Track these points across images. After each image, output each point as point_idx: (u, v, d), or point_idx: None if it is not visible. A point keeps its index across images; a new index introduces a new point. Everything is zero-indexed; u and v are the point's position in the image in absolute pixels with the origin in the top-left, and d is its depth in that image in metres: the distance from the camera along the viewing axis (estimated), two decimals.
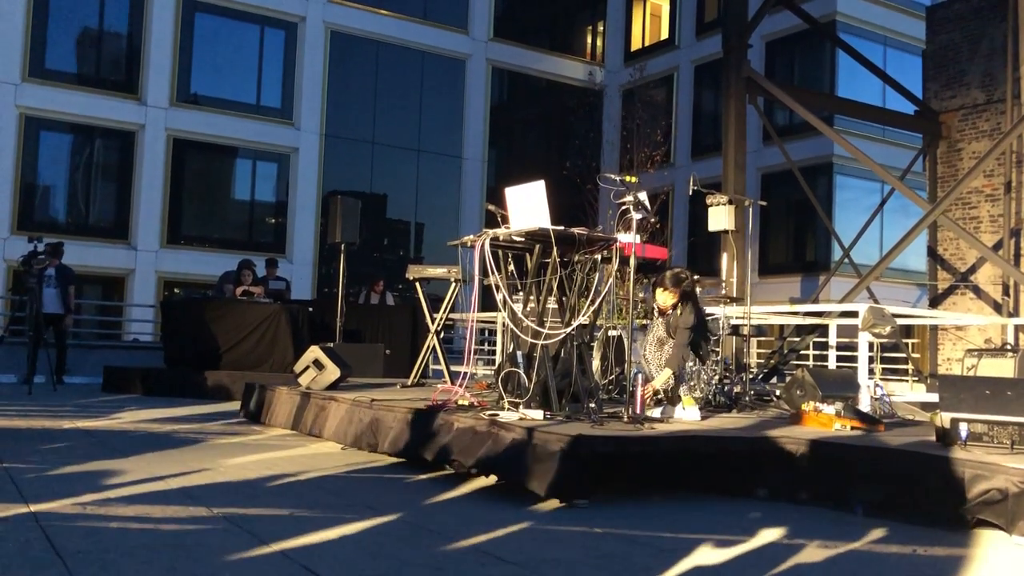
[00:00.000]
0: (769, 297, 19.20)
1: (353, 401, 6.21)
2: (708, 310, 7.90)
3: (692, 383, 6.43)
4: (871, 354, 8.13)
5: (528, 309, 5.72)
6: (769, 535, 3.80)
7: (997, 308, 13.38)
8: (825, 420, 5.37)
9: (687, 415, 5.63)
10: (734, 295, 9.21)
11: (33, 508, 3.65)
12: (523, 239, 5.54)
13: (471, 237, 5.80)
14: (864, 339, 8.17)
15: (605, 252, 5.56)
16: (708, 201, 9.56)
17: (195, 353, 10.73)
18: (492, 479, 4.68)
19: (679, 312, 5.98)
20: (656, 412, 5.64)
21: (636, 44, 28.21)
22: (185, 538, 3.30)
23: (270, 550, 3.13)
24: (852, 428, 5.28)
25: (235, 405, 8.74)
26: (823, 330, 11.74)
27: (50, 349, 11.11)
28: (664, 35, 27.55)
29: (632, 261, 5.35)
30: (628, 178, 5.80)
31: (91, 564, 2.84)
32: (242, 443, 6.21)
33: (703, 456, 4.59)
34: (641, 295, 7.73)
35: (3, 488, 4.07)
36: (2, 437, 5.88)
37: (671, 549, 3.48)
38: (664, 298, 6.02)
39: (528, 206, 5.45)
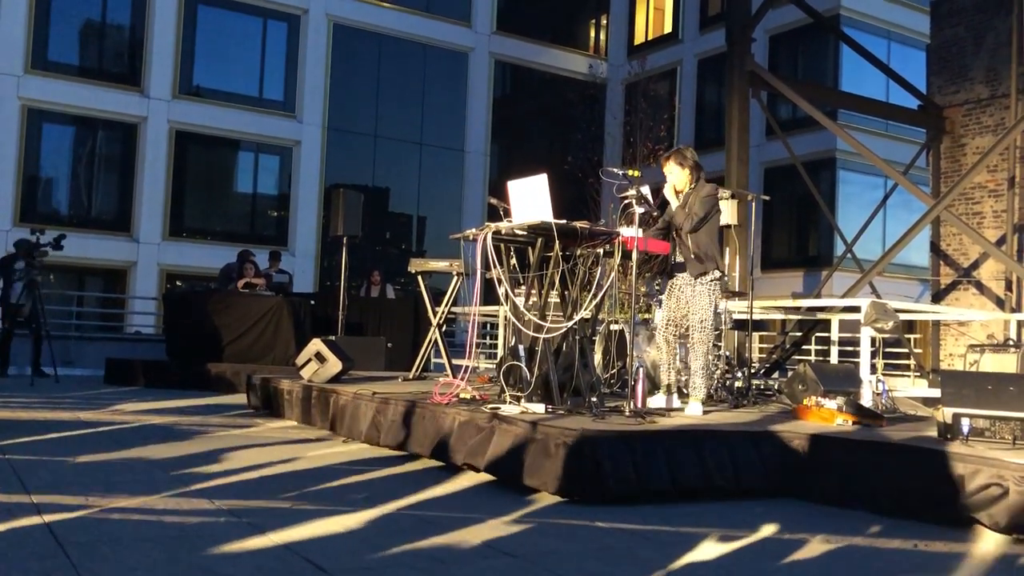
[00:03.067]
0: (771, 292, 19.18)
1: (355, 394, 6.21)
2: None
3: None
4: (873, 349, 8.13)
5: (530, 303, 5.72)
6: (771, 530, 3.80)
7: (1000, 304, 13.37)
8: (827, 415, 5.36)
9: (690, 410, 5.62)
10: (736, 289, 9.21)
11: (35, 499, 3.66)
12: (525, 233, 5.53)
13: (473, 231, 5.80)
14: (866, 334, 8.16)
15: (607, 246, 5.55)
16: None
17: (197, 345, 10.73)
18: (492, 472, 4.68)
19: (692, 188, 5.86)
20: (660, 402, 5.64)
21: (639, 38, 28.14)
22: (187, 530, 3.31)
23: (271, 542, 3.13)
24: (854, 423, 5.27)
25: (237, 398, 8.75)
26: (825, 325, 11.72)
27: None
28: (667, 29, 27.48)
29: (634, 255, 5.35)
30: (631, 172, 5.78)
31: (93, 555, 2.84)
32: (244, 435, 6.22)
33: (705, 450, 4.58)
34: (643, 289, 7.72)
35: (6, 479, 4.08)
36: (4, 428, 5.89)
37: (673, 543, 3.48)
38: (675, 174, 5.85)
39: (530, 200, 5.44)
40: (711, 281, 5.82)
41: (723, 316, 7.66)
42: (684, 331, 5.92)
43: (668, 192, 5.95)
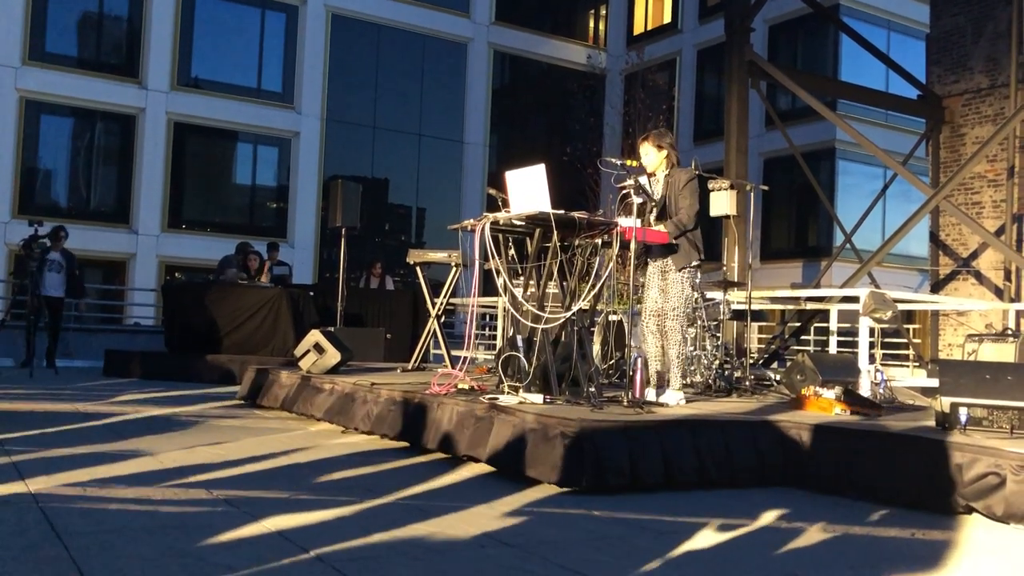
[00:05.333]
0: (770, 282, 19.18)
1: (353, 385, 6.21)
2: (709, 295, 7.89)
3: (693, 368, 6.40)
4: (872, 339, 8.13)
5: (528, 293, 5.71)
6: (770, 519, 3.81)
7: (999, 293, 13.37)
8: (825, 405, 5.37)
9: (669, 399, 5.61)
10: (735, 280, 9.21)
11: (33, 489, 3.66)
12: (523, 223, 5.52)
13: (471, 221, 5.78)
14: (865, 324, 8.16)
15: (606, 236, 5.54)
16: (710, 186, 9.51)
17: (196, 337, 10.73)
18: (491, 463, 4.68)
19: (667, 173, 5.84)
20: (668, 398, 5.64)
21: (639, 28, 28.08)
22: (184, 519, 3.31)
23: (267, 530, 3.14)
24: (852, 413, 5.28)
25: (235, 389, 8.75)
26: (824, 315, 11.73)
27: (46, 332, 11.18)
28: (667, 19, 27.41)
29: (633, 246, 5.34)
30: (629, 162, 5.76)
31: (90, 545, 2.84)
32: (242, 426, 6.22)
33: (703, 440, 4.58)
34: (642, 280, 7.70)
35: (3, 469, 4.08)
36: (3, 419, 5.89)
37: (671, 532, 3.49)
38: (651, 156, 5.81)
39: (529, 190, 5.43)
40: (690, 270, 5.80)
41: (721, 306, 7.66)
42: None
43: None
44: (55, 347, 11.65)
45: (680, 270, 5.74)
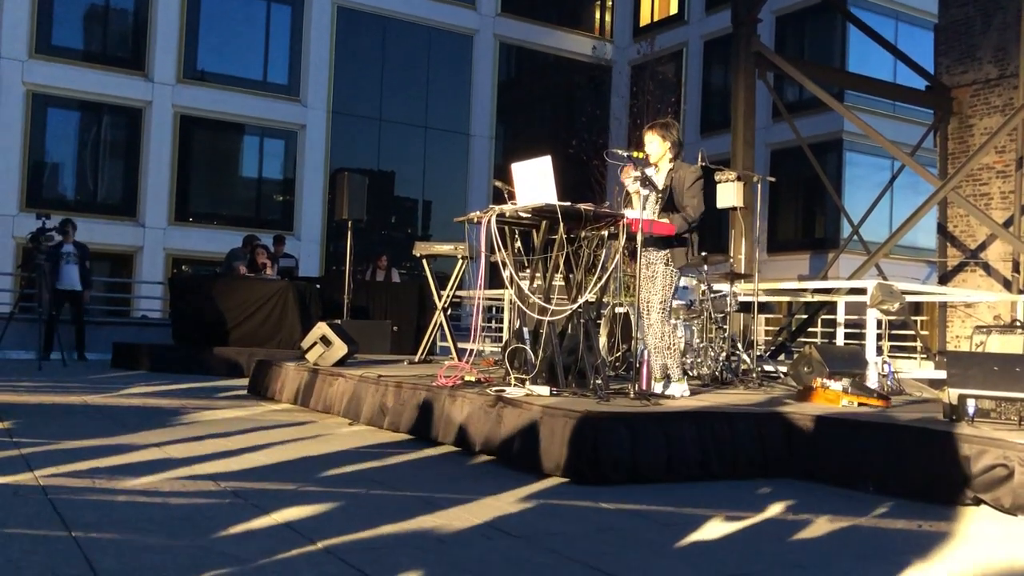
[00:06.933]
0: (778, 274, 19.13)
1: (360, 377, 6.22)
2: (716, 287, 7.88)
3: (700, 359, 6.40)
4: (879, 331, 8.10)
5: (535, 286, 5.71)
6: (776, 510, 3.81)
7: (1007, 285, 13.32)
8: (832, 396, 5.36)
9: (675, 390, 5.60)
10: (742, 272, 9.19)
11: (42, 481, 3.68)
12: (529, 215, 5.51)
13: (477, 213, 5.78)
14: (872, 316, 8.14)
15: (612, 228, 5.52)
16: (717, 178, 9.50)
17: (203, 329, 10.76)
18: (497, 455, 4.68)
19: (671, 167, 5.81)
20: (673, 389, 5.64)
21: (645, 19, 27.99)
22: (192, 511, 3.32)
23: (276, 522, 3.15)
24: (859, 404, 5.27)
25: (243, 381, 8.77)
26: (831, 307, 11.71)
27: (68, 326, 11.30)
28: (673, 10, 27.31)
29: (639, 238, 5.33)
30: (636, 154, 5.75)
31: (100, 536, 2.86)
32: (249, 418, 6.24)
33: (710, 432, 4.57)
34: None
35: (12, 461, 4.10)
36: (12, 412, 5.92)
37: (677, 524, 3.49)
38: (655, 145, 5.78)
39: (535, 182, 5.42)
40: (679, 265, 5.81)
41: (728, 298, 7.65)
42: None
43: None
44: (83, 339, 11.91)
45: (680, 268, 5.76)
